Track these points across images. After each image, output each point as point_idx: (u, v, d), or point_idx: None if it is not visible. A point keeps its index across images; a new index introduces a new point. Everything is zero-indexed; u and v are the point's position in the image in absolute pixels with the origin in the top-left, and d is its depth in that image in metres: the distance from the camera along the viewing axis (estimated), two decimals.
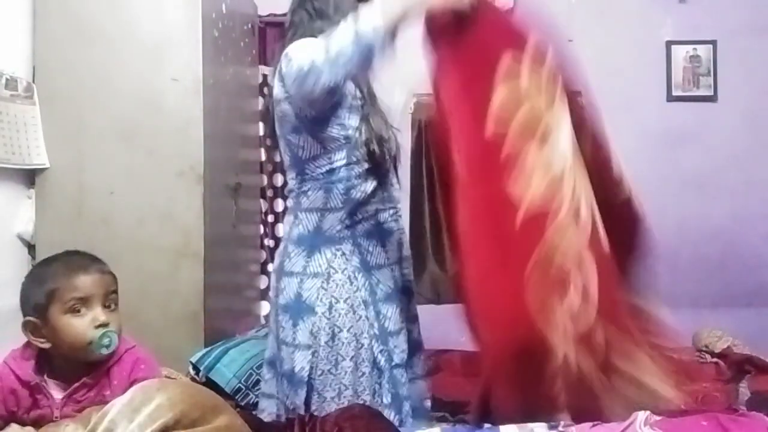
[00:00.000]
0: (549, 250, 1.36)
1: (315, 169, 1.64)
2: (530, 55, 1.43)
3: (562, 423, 1.51)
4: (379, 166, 1.66)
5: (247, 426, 1.23)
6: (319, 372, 1.61)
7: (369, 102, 1.67)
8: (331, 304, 1.61)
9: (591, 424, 1.49)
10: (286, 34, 1.73)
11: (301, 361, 1.60)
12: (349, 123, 1.62)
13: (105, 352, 1.34)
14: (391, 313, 1.67)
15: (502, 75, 1.40)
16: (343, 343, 1.61)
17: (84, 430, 1.12)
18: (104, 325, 1.34)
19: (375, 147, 1.63)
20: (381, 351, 1.64)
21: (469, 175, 1.41)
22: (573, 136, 1.43)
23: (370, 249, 1.67)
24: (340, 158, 1.62)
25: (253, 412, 1.87)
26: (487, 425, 1.55)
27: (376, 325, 1.64)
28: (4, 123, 1.99)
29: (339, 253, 1.63)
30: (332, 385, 1.61)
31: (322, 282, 1.61)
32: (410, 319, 1.77)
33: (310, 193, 1.65)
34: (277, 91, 1.62)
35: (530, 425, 1.52)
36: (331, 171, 1.63)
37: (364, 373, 1.62)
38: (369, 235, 1.67)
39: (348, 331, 1.61)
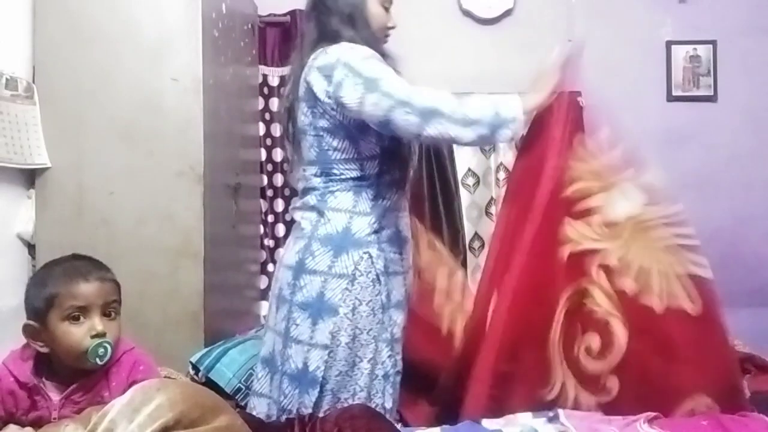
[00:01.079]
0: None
1: (345, 172, 1.65)
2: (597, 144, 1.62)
3: (561, 414, 1.51)
4: (404, 177, 1.72)
5: (247, 426, 1.23)
6: (336, 372, 1.61)
7: None
8: (355, 306, 1.61)
9: (591, 419, 1.50)
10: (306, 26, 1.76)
11: (316, 361, 1.60)
12: (386, 135, 1.62)
13: (99, 362, 1.33)
14: (400, 321, 1.69)
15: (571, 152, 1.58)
16: (362, 344, 1.62)
17: (84, 430, 1.12)
18: (101, 335, 1.33)
19: (406, 159, 1.70)
20: (389, 356, 1.65)
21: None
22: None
23: (391, 255, 1.68)
24: (372, 167, 1.64)
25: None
26: (486, 422, 1.56)
27: (388, 330, 1.66)
28: (5, 123, 1.99)
29: (366, 256, 1.63)
30: (348, 386, 1.61)
31: (347, 283, 1.61)
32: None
33: (338, 193, 1.66)
34: (320, 90, 1.60)
35: (531, 420, 1.53)
36: (362, 177, 1.65)
37: (377, 376, 1.63)
38: (390, 242, 1.69)
39: (368, 333, 1.62)
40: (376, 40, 1.70)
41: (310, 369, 1.60)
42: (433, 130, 1.51)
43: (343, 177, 1.65)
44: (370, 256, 1.63)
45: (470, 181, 3.05)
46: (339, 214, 1.64)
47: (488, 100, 1.57)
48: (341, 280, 1.61)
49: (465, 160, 3.05)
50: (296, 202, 1.80)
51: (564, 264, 1.50)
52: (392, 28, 1.78)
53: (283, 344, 1.67)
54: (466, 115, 1.51)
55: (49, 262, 1.46)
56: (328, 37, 1.66)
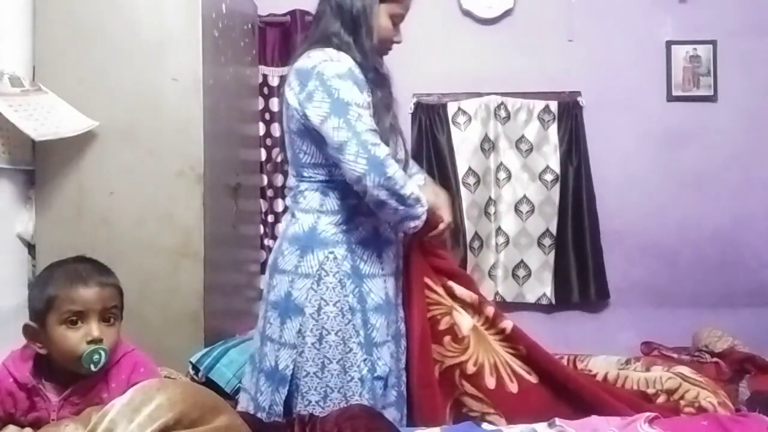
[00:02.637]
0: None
1: (314, 175, 1.67)
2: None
3: (556, 420, 1.53)
4: None
5: (247, 426, 1.23)
6: (303, 373, 1.61)
7: (391, 131, 1.69)
8: (320, 306, 1.61)
9: (590, 421, 1.51)
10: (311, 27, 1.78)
11: (285, 359, 1.62)
12: None
13: (93, 369, 1.32)
14: (380, 324, 1.65)
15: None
16: (330, 345, 1.61)
17: (84, 430, 1.12)
18: (97, 341, 1.32)
19: None
20: (364, 360, 1.62)
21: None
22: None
23: (365, 257, 1.66)
24: (339, 173, 1.61)
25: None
26: (487, 425, 1.56)
27: (362, 333, 1.63)
28: (30, 110, 1.98)
29: (331, 256, 1.63)
30: (317, 388, 1.60)
31: (312, 283, 1.62)
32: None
33: (307, 193, 1.67)
34: (291, 94, 1.62)
35: (532, 425, 1.54)
36: (330, 180, 1.66)
37: (353, 378, 1.61)
38: (365, 243, 1.67)
39: (336, 334, 1.61)
40: (375, 50, 1.69)
41: (280, 368, 1.62)
42: (372, 183, 1.53)
43: (312, 179, 1.67)
44: (336, 257, 1.63)
45: (471, 180, 3.05)
46: (307, 215, 1.66)
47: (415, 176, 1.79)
48: (307, 280, 1.62)
49: (465, 159, 3.05)
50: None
51: (438, 380, 1.74)
52: (398, 42, 1.77)
53: (260, 342, 1.70)
54: (391, 177, 1.54)
55: (53, 263, 1.45)
56: (323, 38, 1.66)
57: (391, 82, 1.77)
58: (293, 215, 1.69)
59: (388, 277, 1.70)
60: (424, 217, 1.63)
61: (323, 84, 1.56)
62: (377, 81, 1.67)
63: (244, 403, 1.74)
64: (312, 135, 1.62)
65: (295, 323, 1.61)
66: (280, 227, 3.01)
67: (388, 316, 1.68)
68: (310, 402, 1.60)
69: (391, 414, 1.64)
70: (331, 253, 1.63)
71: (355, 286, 1.63)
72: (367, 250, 1.67)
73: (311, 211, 1.66)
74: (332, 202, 1.65)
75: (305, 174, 1.68)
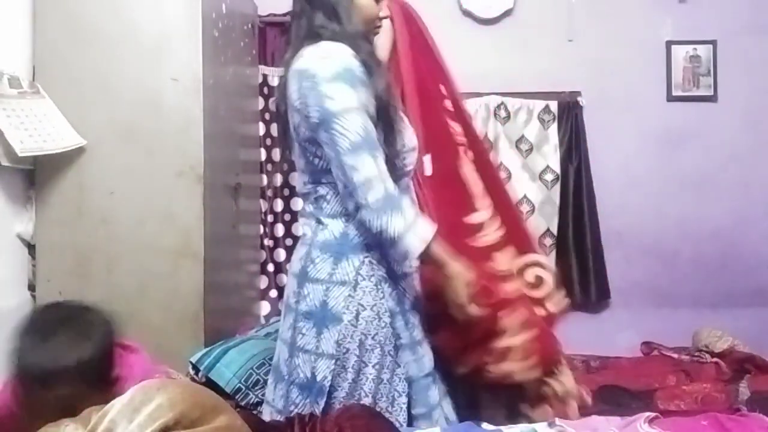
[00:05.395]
0: None
1: (331, 179, 1.57)
2: None
3: (556, 420, 1.53)
4: (399, 177, 1.61)
5: (247, 426, 1.23)
6: (343, 380, 1.57)
7: (393, 121, 1.60)
8: (358, 312, 1.57)
9: (590, 421, 1.51)
10: (291, 25, 1.71)
11: (323, 370, 1.56)
12: None
13: None
14: (418, 322, 1.65)
15: None
16: (367, 350, 1.57)
17: (84, 429, 1.12)
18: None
19: (394, 163, 1.58)
20: (414, 360, 1.61)
21: None
22: None
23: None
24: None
25: (254, 412, 1.88)
26: (486, 424, 1.56)
27: (406, 334, 1.61)
28: (22, 118, 1.98)
29: (367, 260, 1.58)
30: (354, 393, 1.58)
31: (350, 290, 1.56)
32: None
33: (329, 198, 1.60)
34: (295, 98, 1.55)
35: (531, 425, 1.54)
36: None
37: (382, 380, 1.59)
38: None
39: (373, 338, 1.57)
40: (362, 36, 1.60)
41: (318, 379, 1.57)
42: (364, 201, 1.47)
43: (333, 182, 1.58)
44: (371, 261, 1.58)
45: None
46: (335, 220, 1.60)
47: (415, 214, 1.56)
48: (343, 288, 1.56)
49: None
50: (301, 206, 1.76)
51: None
52: (384, 18, 1.69)
53: (289, 353, 1.63)
54: (403, 214, 1.49)
55: (32, 312, 1.35)
56: (312, 34, 1.59)
57: (386, 67, 1.69)
58: (319, 221, 1.62)
59: (416, 274, 1.68)
60: (411, 251, 1.52)
61: (315, 86, 1.50)
62: (373, 67, 1.58)
63: (266, 416, 1.67)
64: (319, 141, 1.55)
65: (333, 332, 1.56)
66: (281, 228, 3.05)
67: (420, 313, 1.67)
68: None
69: (448, 405, 1.67)
70: (367, 257, 1.58)
71: (392, 289, 1.60)
72: None
73: (338, 216, 1.59)
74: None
75: (323, 180, 1.60)
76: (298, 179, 1.72)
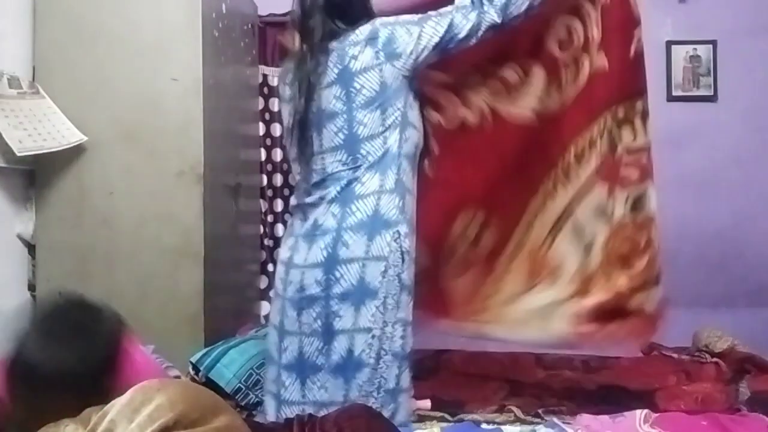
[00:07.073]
0: None
1: (371, 152, 1.67)
2: None
3: (556, 419, 1.54)
4: (422, 149, 1.78)
5: (247, 426, 1.23)
6: (383, 353, 1.65)
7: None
8: (388, 289, 1.65)
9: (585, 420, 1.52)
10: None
11: (361, 344, 1.63)
12: (409, 104, 1.71)
13: None
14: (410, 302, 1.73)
15: None
16: (394, 323, 1.66)
17: (84, 430, 1.12)
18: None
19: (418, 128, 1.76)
20: (401, 337, 1.68)
21: None
22: None
23: (411, 233, 1.71)
24: (393, 139, 1.67)
25: (254, 412, 1.88)
26: (486, 424, 1.56)
27: (403, 310, 1.69)
28: (21, 118, 1.98)
29: (396, 235, 1.66)
30: (391, 366, 1.65)
31: (385, 265, 1.64)
32: None
33: (365, 178, 1.67)
34: (365, 59, 1.66)
35: (531, 425, 1.55)
36: (386, 153, 1.67)
37: (387, 352, 1.66)
38: (410, 220, 1.72)
39: (400, 311, 1.67)
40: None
41: (355, 354, 1.63)
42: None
43: (368, 157, 1.67)
44: (399, 234, 1.66)
45: None
46: (366, 200, 1.66)
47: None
48: (379, 263, 1.64)
49: None
50: (306, 198, 1.76)
51: None
52: None
53: (323, 340, 1.67)
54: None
55: (22, 325, 1.27)
56: (352, 18, 1.73)
57: None
58: (348, 208, 1.67)
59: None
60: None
61: (397, 22, 1.68)
62: None
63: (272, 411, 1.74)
64: (400, 83, 1.68)
65: (370, 307, 1.63)
66: (281, 227, 3.05)
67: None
68: (386, 380, 1.65)
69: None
70: (396, 231, 1.66)
71: (408, 264, 1.68)
72: (410, 226, 1.72)
73: (370, 195, 1.66)
74: (391, 178, 1.67)
75: (361, 152, 1.67)
76: (316, 165, 1.73)
